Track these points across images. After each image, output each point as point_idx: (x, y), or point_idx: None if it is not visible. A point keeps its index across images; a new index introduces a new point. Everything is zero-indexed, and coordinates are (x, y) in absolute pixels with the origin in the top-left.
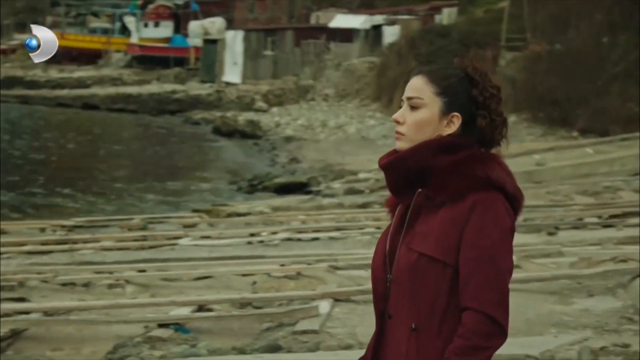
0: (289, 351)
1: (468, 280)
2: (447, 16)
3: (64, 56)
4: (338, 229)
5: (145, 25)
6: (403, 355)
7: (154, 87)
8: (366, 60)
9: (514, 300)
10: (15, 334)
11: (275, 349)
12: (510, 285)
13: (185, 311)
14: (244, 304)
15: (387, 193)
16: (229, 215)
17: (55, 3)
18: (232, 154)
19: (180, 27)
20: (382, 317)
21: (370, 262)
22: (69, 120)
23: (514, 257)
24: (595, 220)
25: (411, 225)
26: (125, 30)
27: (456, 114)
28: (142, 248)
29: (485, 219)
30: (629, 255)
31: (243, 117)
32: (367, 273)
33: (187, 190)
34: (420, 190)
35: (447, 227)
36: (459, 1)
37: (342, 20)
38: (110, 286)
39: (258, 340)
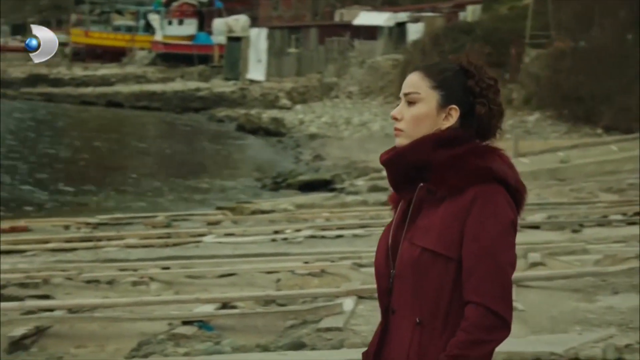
0: (313, 348)
1: (470, 274)
2: (471, 13)
3: (88, 54)
4: (362, 226)
5: (170, 23)
6: (406, 349)
7: (178, 85)
8: (390, 57)
9: (538, 298)
10: (39, 331)
11: (299, 346)
12: (535, 283)
13: (209, 308)
14: (268, 301)
15: None
16: (253, 212)
17: (79, 1)
18: (256, 151)
19: (204, 25)
20: (386, 312)
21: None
22: (93, 118)
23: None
24: (619, 217)
25: (413, 220)
26: (149, 28)
27: (454, 106)
28: (167, 245)
29: (486, 212)
30: None
31: (267, 114)
32: None
33: (211, 188)
34: (421, 184)
35: (449, 221)
36: None
37: (366, 18)
38: (135, 283)
39: (282, 337)
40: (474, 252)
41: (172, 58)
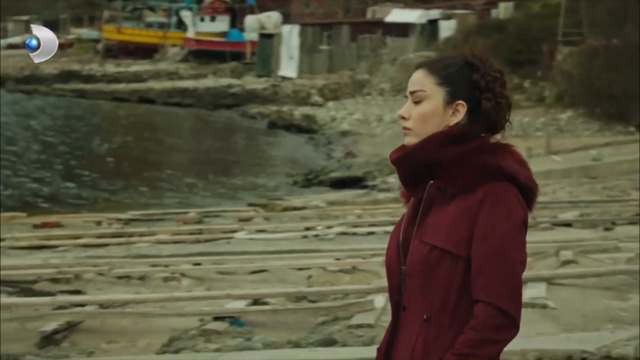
0: (344, 345)
1: (479, 272)
2: (503, 10)
3: (121, 50)
4: (393, 223)
5: (202, 20)
6: (412, 345)
7: (210, 82)
8: (422, 54)
9: (570, 296)
10: (71, 326)
11: (330, 342)
12: (567, 281)
13: (240, 304)
14: (299, 297)
15: None
16: (285, 209)
17: None
18: (287, 148)
19: (236, 22)
20: (397, 308)
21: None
22: (126, 114)
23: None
24: None
25: (423, 217)
26: (181, 25)
27: (460, 101)
28: (198, 241)
29: (495, 211)
30: None
31: (299, 111)
32: None
33: (243, 184)
34: (431, 182)
35: (458, 219)
36: None
37: (398, 15)
38: (166, 279)
39: (313, 334)
40: (484, 251)
41: (205, 55)
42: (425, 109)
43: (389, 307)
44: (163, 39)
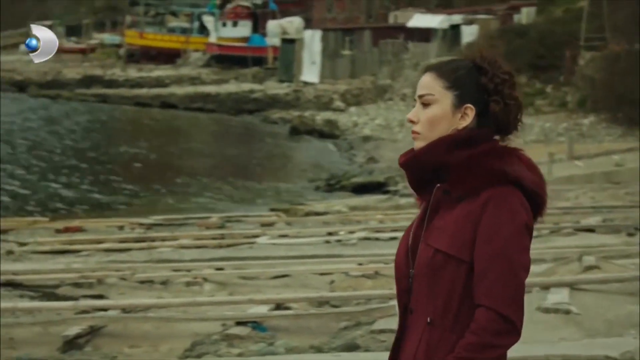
0: (367, 350)
1: (481, 276)
2: (525, 15)
3: (143, 55)
4: None
5: (224, 25)
6: (415, 348)
7: (232, 87)
8: (444, 60)
9: (593, 301)
10: (93, 331)
11: (353, 347)
12: (590, 286)
13: (263, 309)
14: (321, 302)
15: None
16: (307, 214)
17: (134, 2)
18: (309, 153)
19: (258, 27)
20: (405, 311)
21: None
22: (148, 119)
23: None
24: None
25: (430, 220)
26: (203, 30)
27: (469, 105)
28: (220, 246)
29: (498, 215)
30: None
31: (321, 116)
32: None
33: (265, 189)
34: (438, 185)
35: (462, 223)
36: (538, 0)
37: (420, 20)
38: (188, 284)
39: (336, 339)
40: (486, 255)
41: (227, 60)
42: (433, 112)
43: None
44: (185, 44)
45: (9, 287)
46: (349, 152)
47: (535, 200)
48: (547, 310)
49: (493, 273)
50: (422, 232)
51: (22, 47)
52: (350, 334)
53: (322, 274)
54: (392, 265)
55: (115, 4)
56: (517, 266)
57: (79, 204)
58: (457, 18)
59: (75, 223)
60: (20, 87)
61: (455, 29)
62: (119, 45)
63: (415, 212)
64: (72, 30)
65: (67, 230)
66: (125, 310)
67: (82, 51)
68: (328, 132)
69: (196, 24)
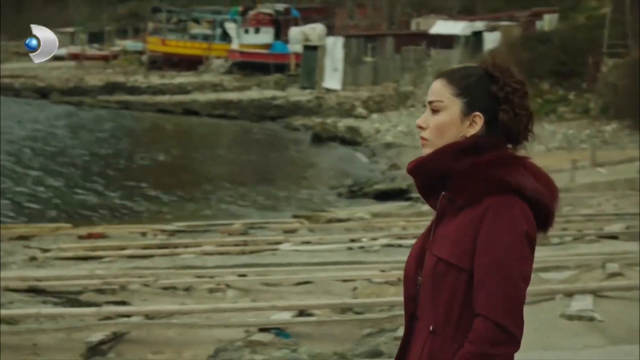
0: (390, 357)
1: (480, 286)
2: (548, 22)
3: (165, 62)
4: None
5: (246, 32)
6: (418, 356)
7: (254, 93)
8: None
9: (617, 308)
10: (117, 337)
11: (376, 354)
12: (613, 293)
13: (286, 316)
14: (344, 309)
15: None
16: (329, 221)
17: (156, 9)
18: (331, 160)
19: (280, 34)
20: (411, 319)
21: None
22: (170, 126)
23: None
24: None
25: (436, 228)
26: (225, 37)
27: (477, 113)
28: (243, 253)
29: (498, 224)
30: None
31: (343, 123)
32: None
33: (287, 196)
34: (443, 193)
35: (463, 231)
36: (560, 7)
37: (442, 27)
38: (211, 290)
39: (359, 345)
40: (485, 264)
41: (249, 66)
42: (442, 119)
43: None
44: (207, 51)
45: (32, 293)
46: (371, 159)
47: (539, 209)
48: (570, 318)
49: (491, 282)
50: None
51: None
52: (373, 340)
53: (344, 281)
54: None
55: (137, 11)
56: (515, 276)
57: (101, 210)
58: (479, 25)
59: (98, 229)
60: (43, 93)
61: (477, 35)
62: (141, 52)
63: None
64: (95, 37)
65: (90, 236)
66: (148, 316)
67: (105, 58)
68: (350, 139)
69: (218, 31)
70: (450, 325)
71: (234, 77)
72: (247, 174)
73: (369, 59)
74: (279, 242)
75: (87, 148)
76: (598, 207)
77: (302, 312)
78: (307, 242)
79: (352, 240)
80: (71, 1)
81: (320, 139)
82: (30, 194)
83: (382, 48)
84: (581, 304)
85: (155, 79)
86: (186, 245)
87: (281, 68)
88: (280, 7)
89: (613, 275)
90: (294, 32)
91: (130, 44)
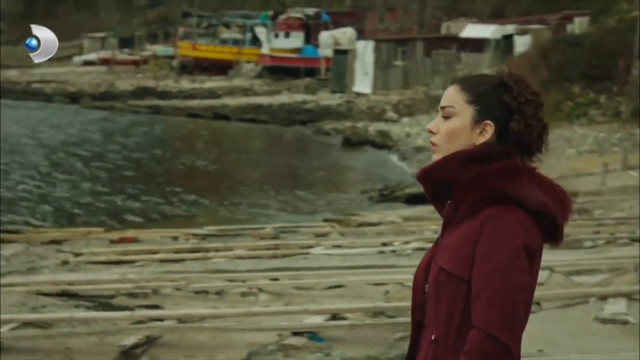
0: None
1: (476, 298)
2: (578, 25)
3: (195, 67)
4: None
5: (276, 36)
6: None
7: (284, 98)
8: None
9: None
10: (149, 341)
11: None
12: None
13: (319, 319)
14: (377, 312)
15: None
16: (360, 224)
17: (187, 14)
18: (362, 164)
19: (310, 38)
20: (418, 327)
21: None
22: (201, 131)
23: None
24: None
25: (442, 237)
26: (256, 41)
27: (489, 122)
28: (275, 257)
29: (494, 236)
30: None
31: (373, 127)
32: None
33: (318, 200)
34: (449, 202)
35: (463, 241)
36: (590, 10)
37: (472, 30)
38: (243, 294)
39: (391, 349)
40: (481, 276)
41: (279, 71)
42: (452, 125)
43: None
44: (237, 55)
45: (65, 297)
46: (402, 163)
47: (544, 221)
48: (604, 321)
49: (486, 294)
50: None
51: (75, 58)
52: (405, 344)
53: (376, 285)
54: None
55: (167, 16)
56: (511, 288)
57: (133, 214)
58: (509, 28)
59: (130, 233)
60: (73, 98)
61: (508, 39)
62: (171, 57)
63: None
64: (125, 42)
65: (121, 240)
66: (181, 320)
67: (135, 63)
68: (381, 143)
69: (249, 35)
70: (450, 336)
71: (264, 81)
72: (277, 177)
73: (399, 62)
74: (311, 246)
75: (120, 153)
76: (630, 210)
77: (334, 316)
78: (339, 246)
79: (384, 244)
80: (102, 7)
81: (350, 143)
82: (65, 198)
83: (412, 52)
84: (615, 307)
85: (185, 84)
86: (218, 249)
87: (311, 72)
88: (311, 11)
89: None
90: (324, 36)
91: (160, 48)
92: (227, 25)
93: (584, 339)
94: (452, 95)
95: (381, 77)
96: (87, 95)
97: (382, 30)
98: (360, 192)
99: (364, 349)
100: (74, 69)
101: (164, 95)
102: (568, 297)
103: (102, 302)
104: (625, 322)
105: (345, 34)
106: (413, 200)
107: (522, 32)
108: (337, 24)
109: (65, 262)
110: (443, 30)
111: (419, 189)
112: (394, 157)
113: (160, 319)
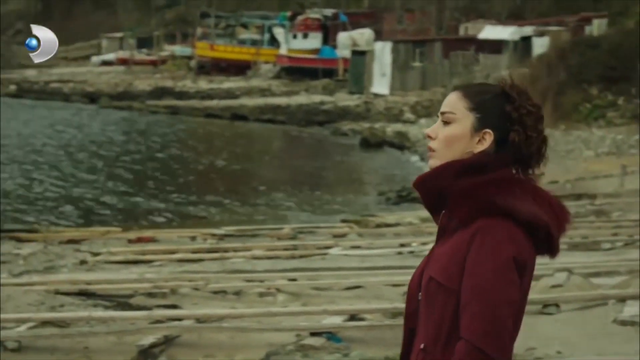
0: None
1: (464, 309)
2: (597, 27)
3: (213, 67)
4: None
5: (294, 37)
6: None
7: (302, 98)
8: (515, 71)
9: None
10: (168, 340)
11: None
12: None
13: (337, 320)
14: (395, 313)
15: None
16: (378, 225)
17: (204, 14)
18: (379, 165)
19: (328, 39)
20: (410, 334)
21: None
22: (219, 130)
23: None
24: None
25: (435, 246)
26: (274, 42)
27: (488, 130)
28: (293, 257)
29: (483, 248)
30: None
31: (391, 128)
32: None
33: (336, 201)
34: (444, 211)
35: (454, 252)
36: (609, 12)
37: (491, 32)
38: (261, 294)
39: None
40: (469, 288)
41: (297, 71)
42: (452, 131)
43: None
44: (255, 56)
45: (83, 296)
46: (422, 164)
47: (536, 233)
48: (623, 323)
49: (474, 306)
50: None
51: (94, 58)
52: None
53: (395, 285)
54: None
55: (186, 16)
56: (498, 300)
57: (152, 214)
58: (528, 30)
59: (148, 233)
60: (92, 98)
61: (526, 40)
62: (189, 57)
63: None
64: (143, 42)
65: (139, 240)
66: (199, 320)
67: (153, 63)
68: (398, 144)
69: (267, 36)
70: (439, 345)
71: (282, 82)
72: (295, 178)
73: (417, 64)
74: (329, 247)
75: (140, 153)
76: None
77: (353, 317)
78: (357, 247)
79: (402, 245)
80: (120, 7)
81: (368, 144)
82: (86, 197)
83: (430, 53)
84: (633, 309)
85: (203, 84)
86: (235, 250)
87: (329, 73)
88: (329, 12)
89: None
90: (342, 37)
91: (178, 49)
92: (245, 26)
93: (602, 341)
94: (454, 102)
95: (399, 78)
96: (105, 95)
97: (400, 31)
98: (378, 193)
99: (382, 350)
100: (92, 68)
101: (182, 95)
102: (587, 299)
103: (121, 302)
104: None
105: (363, 35)
106: None
107: (541, 34)
108: (355, 25)
109: (83, 262)
110: (461, 32)
111: None
112: (414, 158)
113: (179, 319)
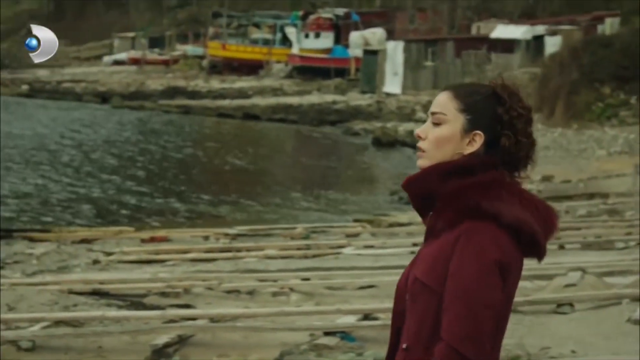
0: None
1: (445, 311)
2: (609, 26)
3: (225, 67)
4: None
5: (306, 36)
6: None
7: (314, 98)
8: (527, 71)
9: None
10: (182, 340)
11: None
12: None
13: (351, 319)
14: None
15: None
16: (391, 225)
17: (217, 14)
18: (392, 164)
19: (340, 38)
20: (397, 333)
21: None
22: (231, 130)
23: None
24: None
25: (423, 247)
26: (286, 41)
27: (478, 132)
28: (306, 257)
29: (466, 251)
30: None
31: (403, 127)
32: (532, 284)
33: (348, 200)
34: (431, 213)
35: (439, 254)
36: (621, 11)
37: (503, 31)
38: (275, 294)
39: None
40: (451, 290)
41: (309, 71)
42: (441, 132)
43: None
44: (267, 56)
45: (96, 296)
46: None
47: (523, 237)
48: (637, 322)
49: (455, 309)
50: None
51: (106, 58)
52: None
53: None
54: None
55: (198, 16)
56: (478, 304)
57: (164, 213)
58: (540, 29)
59: (161, 233)
60: (104, 98)
61: (538, 39)
62: (201, 57)
63: None
64: (155, 42)
65: (152, 240)
66: (213, 319)
67: (165, 62)
68: (411, 143)
69: (279, 36)
70: (420, 346)
71: (294, 81)
72: (308, 177)
73: (429, 63)
74: (342, 246)
75: (154, 152)
76: None
77: (367, 316)
78: (370, 246)
79: (415, 244)
80: (132, 6)
81: (380, 143)
82: (100, 197)
83: (442, 52)
84: None
85: (215, 84)
86: (249, 249)
87: (341, 72)
88: (341, 11)
89: None
90: (354, 36)
91: (190, 48)
92: (257, 26)
93: (616, 340)
94: (444, 102)
95: (411, 77)
96: (117, 95)
97: (412, 31)
98: (391, 192)
99: None
100: (104, 68)
101: (194, 95)
102: (600, 299)
103: (134, 302)
104: None
105: (375, 34)
106: None
107: (553, 33)
108: (367, 24)
109: (96, 261)
110: (473, 31)
111: None
112: None
113: (193, 318)
